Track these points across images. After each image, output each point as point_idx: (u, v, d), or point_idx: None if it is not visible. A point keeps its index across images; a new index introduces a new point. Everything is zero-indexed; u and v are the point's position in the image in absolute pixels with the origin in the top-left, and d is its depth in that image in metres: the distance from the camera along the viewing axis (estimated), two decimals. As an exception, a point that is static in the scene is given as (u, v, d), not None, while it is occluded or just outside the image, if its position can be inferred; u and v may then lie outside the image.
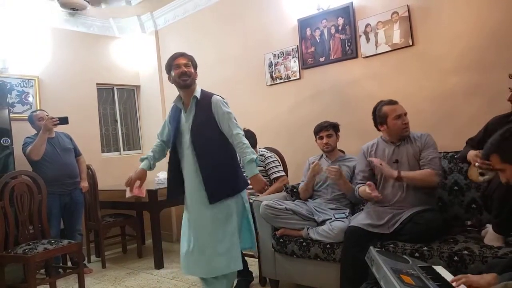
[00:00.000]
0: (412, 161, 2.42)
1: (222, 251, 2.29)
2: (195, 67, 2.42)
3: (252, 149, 2.31)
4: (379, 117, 2.50)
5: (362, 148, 2.65)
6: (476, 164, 1.96)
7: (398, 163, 2.44)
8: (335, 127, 2.92)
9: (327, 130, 2.88)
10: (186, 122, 2.39)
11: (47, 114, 3.65)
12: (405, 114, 2.46)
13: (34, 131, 3.62)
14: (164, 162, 4.97)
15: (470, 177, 2.17)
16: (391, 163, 2.45)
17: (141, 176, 2.50)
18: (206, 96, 2.39)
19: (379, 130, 2.56)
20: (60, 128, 3.65)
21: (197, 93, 2.38)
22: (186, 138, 2.37)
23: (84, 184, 3.81)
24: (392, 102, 2.48)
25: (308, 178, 2.87)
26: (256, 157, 2.28)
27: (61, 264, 3.46)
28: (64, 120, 3.50)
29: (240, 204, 2.39)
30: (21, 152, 3.54)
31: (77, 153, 3.84)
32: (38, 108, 4.03)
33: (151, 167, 2.56)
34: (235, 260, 2.32)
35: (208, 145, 2.33)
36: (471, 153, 2.07)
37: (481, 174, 1.98)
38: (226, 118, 2.32)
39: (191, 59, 2.43)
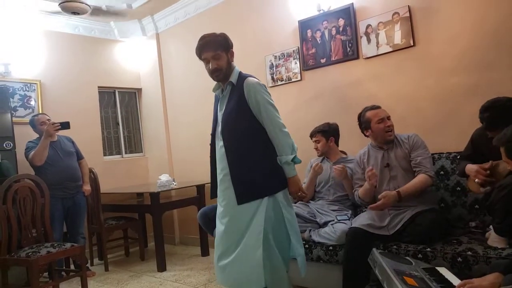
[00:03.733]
0: (403, 163, 2.45)
1: (241, 259, 2.02)
2: (226, 49, 2.10)
3: (291, 147, 2.05)
4: (363, 123, 2.59)
5: (355, 157, 2.73)
6: (476, 180, 2.01)
7: (389, 167, 2.47)
8: (324, 132, 2.94)
9: (315, 136, 2.98)
10: (220, 111, 2.15)
11: (48, 118, 3.66)
12: (388, 117, 2.53)
13: (36, 135, 3.63)
14: (163, 164, 5.00)
15: (470, 189, 2.19)
16: (382, 168, 2.50)
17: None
18: (241, 80, 2.08)
19: (366, 136, 2.62)
20: (63, 131, 3.65)
21: (233, 78, 2.10)
22: (219, 129, 2.13)
23: (87, 187, 3.81)
24: (374, 107, 2.57)
25: (309, 179, 2.88)
26: (294, 157, 2.04)
27: (64, 267, 3.47)
28: (65, 125, 3.51)
29: (274, 208, 2.06)
30: (24, 156, 3.55)
31: (79, 157, 3.85)
32: (40, 112, 4.04)
33: None
34: (252, 274, 1.98)
35: (238, 137, 2.06)
36: (471, 168, 2.09)
37: (482, 185, 2.02)
38: (261, 106, 2.03)
39: (219, 45, 2.07)
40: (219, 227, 2.15)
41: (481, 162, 2.07)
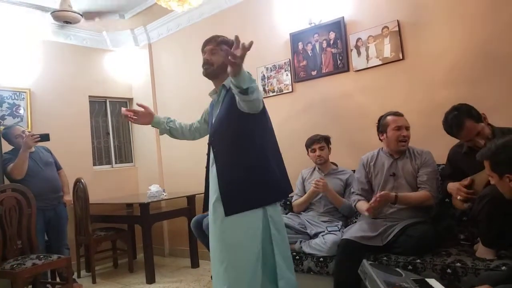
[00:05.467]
0: (409, 177, 2.44)
1: (227, 279, 1.83)
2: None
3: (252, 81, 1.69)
4: (381, 126, 2.55)
5: (361, 158, 2.66)
6: (459, 197, 2.08)
7: (394, 176, 2.46)
8: (327, 139, 2.95)
9: (319, 142, 2.90)
10: (214, 116, 2.06)
11: (23, 129, 3.52)
12: (407, 128, 2.49)
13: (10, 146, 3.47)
14: (153, 174, 4.96)
15: (455, 206, 2.23)
16: (388, 176, 2.48)
17: (148, 112, 2.20)
18: None
19: (380, 139, 2.58)
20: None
21: (227, 81, 1.94)
22: (211, 134, 2.05)
23: (68, 198, 3.71)
24: (397, 114, 2.53)
25: (308, 195, 2.86)
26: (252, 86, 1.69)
27: (49, 280, 3.39)
28: (45, 137, 3.35)
29: (263, 222, 1.88)
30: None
31: (58, 167, 3.73)
32: (16, 123, 3.82)
33: (160, 121, 2.24)
34: None
35: (227, 142, 1.93)
36: (452, 186, 2.17)
37: (465, 201, 2.08)
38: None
39: (221, 42, 1.98)
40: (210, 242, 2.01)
41: (461, 179, 2.13)
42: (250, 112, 1.84)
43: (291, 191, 2.09)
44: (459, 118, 2.09)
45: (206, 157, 2.08)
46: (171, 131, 2.30)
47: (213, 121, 2.05)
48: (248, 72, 1.69)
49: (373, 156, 2.61)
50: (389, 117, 2.51)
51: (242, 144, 1.91)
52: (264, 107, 1.95)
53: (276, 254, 1.90)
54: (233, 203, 1.87)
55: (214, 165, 1.96)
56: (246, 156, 1.90)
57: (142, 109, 2.21)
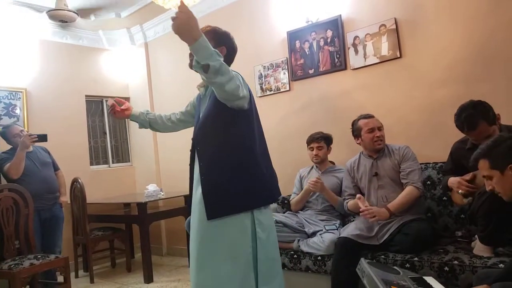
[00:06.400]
0: (391, 173, 2.48)
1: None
2: (216, 42, 1.83)
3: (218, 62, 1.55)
4: (355, 130, 2.62)
5: (346, 165, 2.73)
6: (460, 191, 2.05)
7: (377, 176, 2.50)
8: (327, 139, 2.93)
9: (318, 142, 2.90)
10: (201, 111, 1.94)
11: (22, 129, 3.51)
12: (379, 128, 2.54)
13: (8, 146, 3.45)
14: (150, 174, 4.95)
15: (455, 201, 2.23)
16: (371, 177, 2.52)
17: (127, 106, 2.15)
18: None
19: (358, 143, 2.64)
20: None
21: None
22: (195, 130, 1.92)
23: (64, 199, 3.68)
24: (367, 116, 2.59)
25: (304, 193, 2.87)
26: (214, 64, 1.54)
27: (56, 280, 3.37)
28: (43, 137, 3.34)
29: (249, 228, 1.75)
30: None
31: (56, 168, 3.70)
32: (14, 123, 3.82)
33: (138, 113, 2.16)
34: None
35: (211, 140, 1.80)
36: (452, 180, 2.14)
37: (465, 196, 2.06)
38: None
39: (213, 34, 1.86)
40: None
41: (462, 175, 2.12)
42: (228, 104, 1.73)
43: (279, 195, 1.96)
44: (474, 118, 2.01)
45: None
46: (151, 123, 2.21)
47: (200, 116, 1.92)
48: (216, 51, 1.56)
49: (355, 160, 2.66)
50: (360, 121, 2.58)
51: (228, 144, 1.78)
52: (252, 107, 1.85)
53: (259, 260, 1.75)
54: (216, 207, 1.73)
55: (197, 164, 1.83)
56: (232, 156, 1.77)
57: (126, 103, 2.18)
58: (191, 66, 1.79)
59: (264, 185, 1.83)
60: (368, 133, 2.53)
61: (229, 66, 1.78)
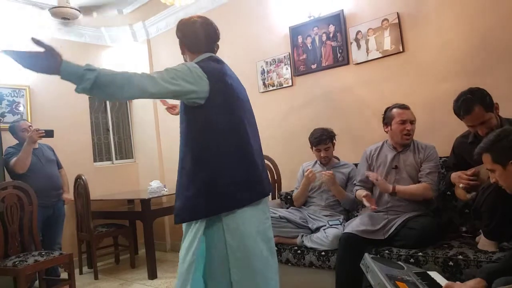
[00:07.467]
0: (410, 170, 2.43)
1: None
2: (180, 37, 1.80)
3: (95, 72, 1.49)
4: (386, 118, 2.53)
5: (365, 150, 2.66)
6: (461, 185, 2.04)
7: (397, 169, 2.46)
8: (331, 137, 2.90)
9: (325, 143, 2.85)
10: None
11: (30, 124, 3.55)
12: (412, 121, 2.46)
13: (15, 141, 3.49)
14: (154, 170, 4.95)
15: (458, 197, 2.21)
16: (390, 169, 2.47)
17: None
18: None
19: (385, 131, 2.57)
20: (44, 140, 3.51)
21: None
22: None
23: (67, 196, 3.70)
24: (402, 106, 2.50)
25: (302, 186, 2.86)
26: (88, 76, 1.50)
27: (59, 276, 3.39)
28: (49, 133, 3.39)
29: (217, 236, 1.62)
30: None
31: (59, 166, 3.73)
32: (22, 118, 3.86)
33: None
34: None
35: (183, 139, 1.69)
36: (454, 175, 2.13)
37: (468, 191, 2.05)
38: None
39: (177, 30, 1.82)
40: None
41: (466, 170, 2.11)
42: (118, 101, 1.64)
43: (252, 199, 1.68)
44: (470, 102, 2.03)
45: None
46: None
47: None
48: (87, 69, 1.48)
49: (377, 148, 2.60)
50: (394, 110, 2.49)
51: (195, 143, 1.63)
52: (231, 102, 1.70)
53: (232, 271, 1.60)
54: (181, 210, 1.64)
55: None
56: (197, 158, 1.61)
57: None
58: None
59: (234, 189, 1.63)
60: (399, 124, 2.44)
61: (202, 51, 1.75)
